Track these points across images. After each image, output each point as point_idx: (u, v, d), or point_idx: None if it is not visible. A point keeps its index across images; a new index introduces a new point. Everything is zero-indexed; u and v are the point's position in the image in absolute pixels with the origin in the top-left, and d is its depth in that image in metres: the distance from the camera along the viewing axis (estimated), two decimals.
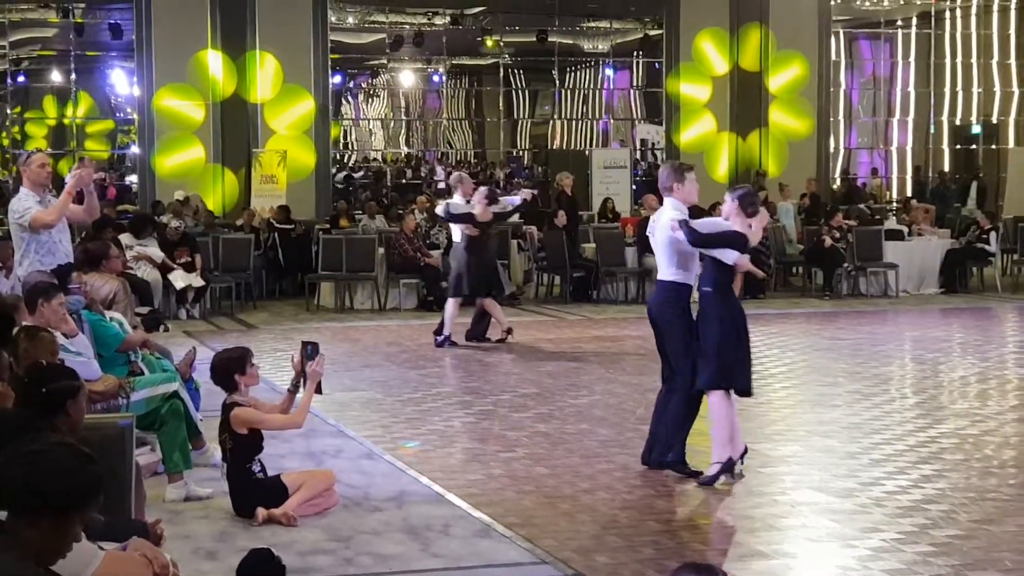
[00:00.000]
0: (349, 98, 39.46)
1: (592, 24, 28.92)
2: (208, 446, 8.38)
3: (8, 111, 29.95)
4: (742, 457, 8.31)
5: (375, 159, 38.07)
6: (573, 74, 33.75)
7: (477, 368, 13.24)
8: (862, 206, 24.76)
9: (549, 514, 7.45)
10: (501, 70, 29.76)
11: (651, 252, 16.60)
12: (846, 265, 19.64)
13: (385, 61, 32.43)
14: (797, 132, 25.76)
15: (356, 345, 14.64)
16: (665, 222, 8.28)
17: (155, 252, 16.74)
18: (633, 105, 33.36)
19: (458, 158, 36.90)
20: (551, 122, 33.80)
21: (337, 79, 29.48)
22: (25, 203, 9.29)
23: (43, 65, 29.50)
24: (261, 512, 7.14)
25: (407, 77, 36.57)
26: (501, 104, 30.92)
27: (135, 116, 24.29)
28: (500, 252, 18.64)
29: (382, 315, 17.57)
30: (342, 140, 36.59)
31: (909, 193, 28.33)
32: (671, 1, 25.58)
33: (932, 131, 30.31)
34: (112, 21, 23.83)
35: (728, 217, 8.30)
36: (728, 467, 8.13)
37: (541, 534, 6.99)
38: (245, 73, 22.57)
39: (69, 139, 27.21)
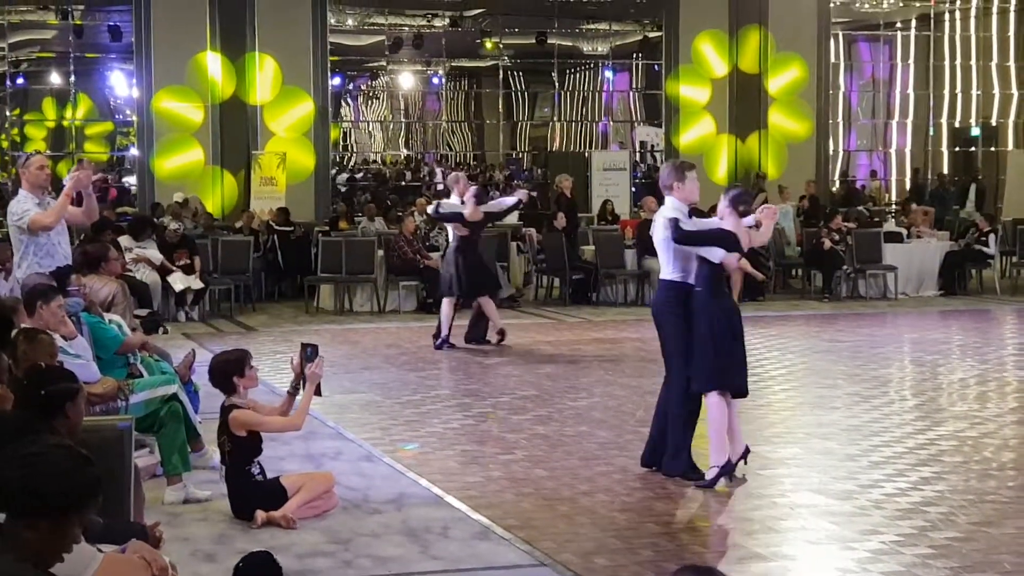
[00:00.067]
0: (348, 100, 39.47)
1: (591, 26, 28.91)
2: (207, 448, 8.38)
3: (7, 113, 29.94)
4: (745, 458, 8.29)
5: (374, 161, 38.07)
6: (572, 76, 33.76)
7: (476, 370, 13.24)
8: (861, 208, 24.77)
9: (548, 516, 7.45)
10: (500, 72, 29.77)
11: (651, 254, 16.73)
12: (845, 267, 19.65)
13: (384, 63, 32.43)
14: (796, 134, 25.78)
15: (355, 347, 14.63)
16: (664, 221, 8.28)
17: (154, 254, 16.74)
18: (632, 107, 33.35)
19: (457, 160, 36.90)
20: (550, 124, 33.79)
21: (336, 81, 29.48)
22: (24, 205, 9.28)
23: (42, 67, 29.49)
24: (260, 514, 7.14)
25: (406, 79, 36.58)
26: (500, 106, 30.92)
27: (134, 118, 24.30)
28: (499, 254, 18.67)
29: (381, 317, 17.56)
30: (341, 142, 36.59)
31: (907, 196, 28.32)
32: (670, 3, 25.60)
33: (931, 133, 30.32)
34: (111, 23, 23.83)
35: (723, 217, 8.30)
36: (727, 470, 8.12)
37: (540, 536, 6.99)
38: (244, 75, 22.59)
39: (68, 141, 27.21)
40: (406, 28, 27.98)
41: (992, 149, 29.63)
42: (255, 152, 22.49)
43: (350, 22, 27.31)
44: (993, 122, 29.83)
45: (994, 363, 13.56)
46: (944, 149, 30.50)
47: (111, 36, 23.94)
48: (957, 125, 30.39)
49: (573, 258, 19.01)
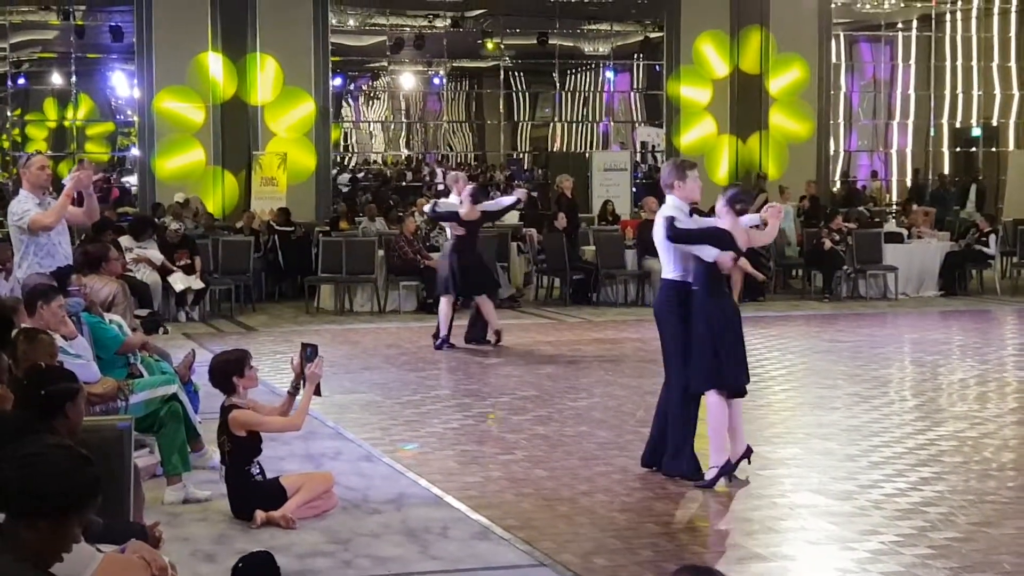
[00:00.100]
0: (349, 100, 39.48)
1: (592, 27, 28.92)
2: (207, 448, 8.38)
3: (8, 113, 29.97)
4: (748, 458, 8.26)
5: (375, 162, 38.09)
6: (573, 77, 33.77)
7: (476, 370, 13.24)
8: (862, 209, 24.77)
9: (548, 516, 7.45)
10: (501, 72, 29.75)
11: (651, 254, 16.73)
12: (846, 268, 19.65)
13: (385, 63, 32.43)
14: (797, 135, 25.78)
15: (355, 347, 14.64)
16: (661, 220, 8.27)
17: (155, 254, 16.75)
18: (633, 108, 33.37)
19: (458, 160, 36.90)
20: (551, 124, 33.82)
21: (337, 81, 29.47)
22: (24, 205, 9.29)
23: (43, 67, 29.51)
24: (260, 514, 7.14)
25: (407, 79, 36.59)
26: (501, 106, 30.91)
27: (135, 118, 24.31)
28: (500, 254, 18.68)
29: (382, 317, 17.57)
30: (342, 142, 36.60)
31: (906, 197, 28.34)
32: (671, 4, 25.59)
33: (932, 134, 30.31)
34: (112, 23, 23.84)
35: (720, 216, 8.30)
36: (726, 470, 8.11)
37: (540, 536, 6.99)
38: (245, 75, 22.59)
39: (69, 141, 27.23)
40: (407, 28, 28.00)
41: (993, 150, 29.62)
42: (256, 152, 22.50)
43: (351, 22, 27.31)
44: (994, 123, 29.83)
45: (994, 363, 13.56)
46: (945, 149, 30.50)
47: (112, 36, 23.95)
48: (958, 126, 30.39)
49: (573, 258, 19.02)
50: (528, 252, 20.29)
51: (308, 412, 7.64)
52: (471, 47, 30.36)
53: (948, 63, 29.87)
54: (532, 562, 6.56)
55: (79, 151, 26.24)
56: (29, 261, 9.30)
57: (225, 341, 14.31)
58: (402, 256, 17.85)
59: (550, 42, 27.63)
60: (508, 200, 15.74)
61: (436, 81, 36.17)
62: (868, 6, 27.85)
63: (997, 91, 29.68)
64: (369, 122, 40.82)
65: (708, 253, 8.08)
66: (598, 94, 33.10)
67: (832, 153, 27.90)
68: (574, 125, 34.12)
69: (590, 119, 33.75)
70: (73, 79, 25.61)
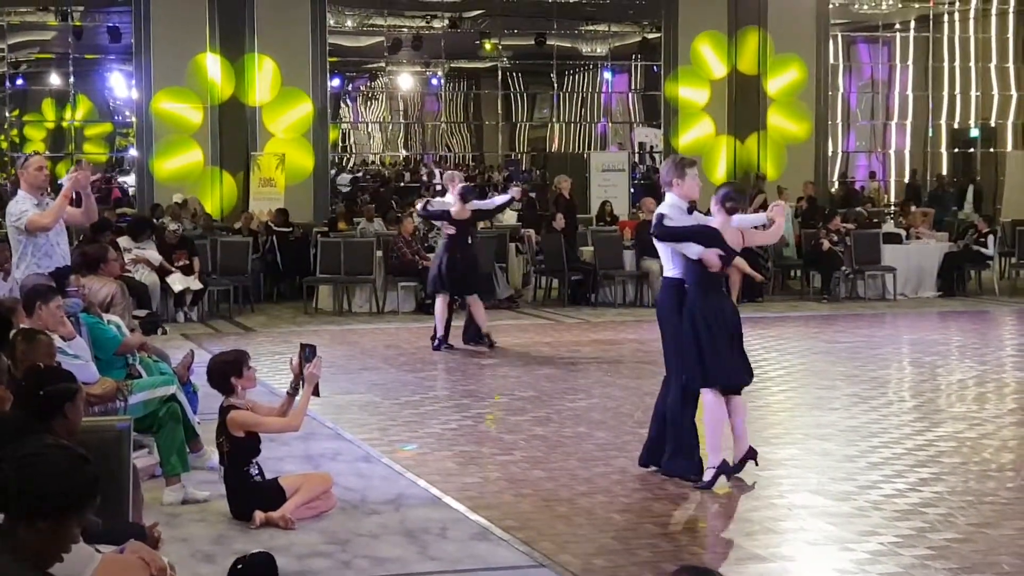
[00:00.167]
0: (347, 101, 39.52)
1: (590, 27, 28.94)
2: (206, 449, 8.38)
3: (6, 114, 29.96)
4: (754, 460, 8.21)
5: (373, 162, 38.10)
6: (571, 77, 33.78)
7: (475, 371, 13.24)
8: (860, 209, 24.77)
9: (546, 517, 7.45)
10: (499, 73, 29.80)
11: (649, 255, 16.73)
12: (844, 268, 19.64)
13: (383, 64, 32.47)
14: (795, 135, 25.79)
15: (354, 348, 14.64)
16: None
17: (153, 255, 16.74)
18: (631, 108, 33.40)
19: (456, 161, 36.93)
20: (549, 125, 33.84)
21: (335, 82, 29.51)
22: (22, 206, 9.29)
23: (42, 68, 29.53)
24: (259, 515, 7.14)
25: (405, 80, 36.62)
26: (499, 107, 30.96)
27: (133, 119, 24.33)
28: (498, 255, 18.67)
29: (380, 318, 17.56)
30: (340, 143, 36.62)
31: (903, 197, 28.35)
32: (669, 4, 25.60)
33: (930, 134, 30.33)
34: (111, 24, 23.85)
35: (714, 215, 8.28)
36: (724, 470, 8.08)
37: (539, 537, 6.99)
38: (243, 76, 22.59)
39: (67, 142, 27.24)
40: (405, 29, 28.01)
41: (991, 150, 29.65)
42: (254, 153, 22.50)
43: (349, 23, 27.34)
44: (992, 123, 29.85)
45: (993, 364, 13.56)
46: (943, 150, 30.52)
47: (110, 37, 23.97)
48: (956, 126, 30.42)
49: (572, 259, 19.01)
50: (526, 253, 20.28)
51: (307, 413, 7.64)
52: (469, 48, 30.37)
53: (946, 64, 29.89)
54: (531, 563, 6.56)
55: (77, 152, 26.25)
56: (27, 262, 9.29)
57: (223, 342, 14.31)
58: (400, 257, 17.85)
59: (548, 43, 27.65)
60: (501, 198, 15.70)
61: (434, 82, 36.18)
62: (866, 7, 27.85)
63: (995, 92, 29.71)
64: (367, 123, 40.84)
65: (692, 251, 8.05)
66: (596, 95, 33.14)
67: (830, 154, 27.93)
68: (572, 126, 34.15)
69: (588, 120, 33.79)
70: (71, 80, 25.62)
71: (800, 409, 11.12)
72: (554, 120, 32.78)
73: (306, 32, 23.10)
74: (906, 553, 6.73)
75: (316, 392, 7.49)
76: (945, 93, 30.03)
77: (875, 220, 23.19)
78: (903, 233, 20.92)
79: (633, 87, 32.70)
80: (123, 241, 16.43)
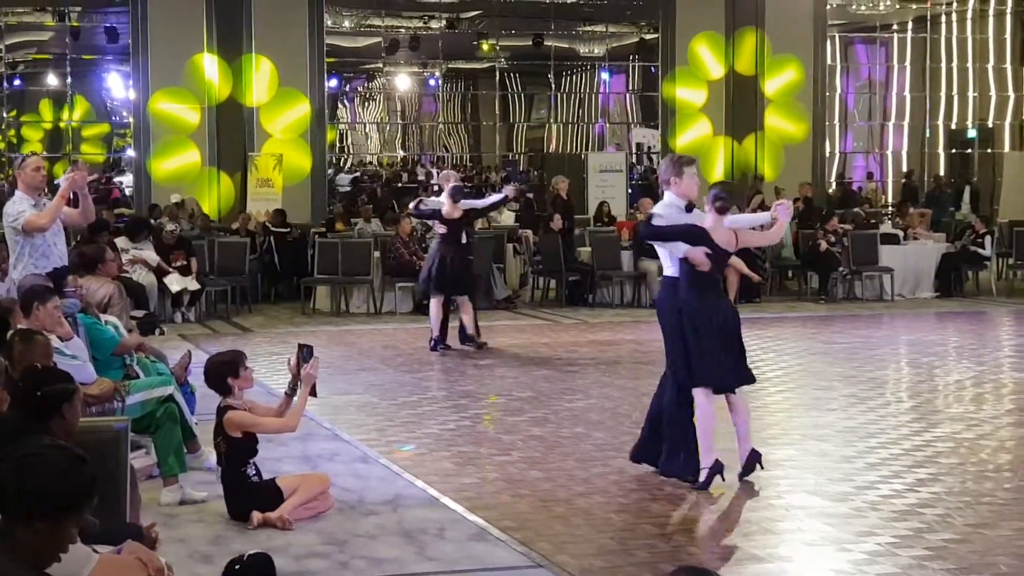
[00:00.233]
0: (345, 102, 39.47)
1: (588, 28, 28.93)
2: (203, 449, 8.38)
3: (4, 115, 29.90)
4: (761, 464, 8.19)
5: (371, 163, 38.08)
6: (569, 78, 33.77)
7: (472, 371, 13.23)
8: (857, 210, 24.79)
9: (544, 518, 7.45)
10: (497, 74, 29.77)
11: (647, 255, 16.73)
12: (841, 269, 19.65)
13: (381, 65, 32.44)
14: (793, 136, 25.81)
15: (351, 348, 14.63)
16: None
17: (151, 256, 16.74)
18: (629, 109, 33.38)
19: (454, 162, 36.91)
20: (547, 126, 33.80)
21: (333, 83, 29.46)
22: (19, 207, 9.28)
23: (39, 69, 29.50)
24: (256, 515, 7.14)
25: (403, 81, 36.58)
26: (497, 108, 30.94)
27: (131, 120, 24.33)
28: (496, 255, 18.67)
29: (378, 319, 17.56)
30: (338, 144, 36.59)
31: (901, 198, 28.36)
32: (667, 5, 25.62)
33: (928, 135, 30.34)
34: (108, 25, 23.83)
35: (707, 215, 8.27)
36: (717, 470, 8.04)
37: (536, 538, 6.99)
38: (241, 77, 22.59)
39: (65, 143, 27.21)
40: (403, 30, 28.00)
41: (988, 151, 29.66)
42: (252, 154, 22.50)
43: (347, 24, 27.33)
44: (989, 124, 29.86)
45: (990, 365, 13.57)
46: (940, 151, 30.52)
47: (108, 38, 23.95)
48: (953, 127, 30.42)
49: (569, 260, 19.01)
50: (524, 253, 20.29)
51: (304, 413, 7.64)
52: (467, 48, 30.36)
53: (943, 64, 29.89)
54: (529, 563, 6.56)
55: (74, 152, 26.23)
56: (24, 262, 9.29)
57: (221, 342, 14.31)
58: (398, 257, 17.85)
59: (545, 43, 27.62)
60: (495, 197, 15.66)
61: (432, 82, 36.13)
62: (863, 8, 27.89)
63: (992, 93, 29.72)
64: (365, 123, 40.82)
65: (680, 250, 8.04)
66: (594, 95, 33.11)
67: (828, 154, 27.93)
68: (570, 126, 34.12)
69: (586, 120, 33.76)
70: (69, 80, 25.59)
71: (798, 410, 11.12)
72: (552, 121, 32.74)
73: (303, 33, 23.11)
74: (903, 554, 6.73)
75: (314, 393, 7.49)
76: (942, 94, 30.04)
77: (872, 221, 23.19)
78: (900, 234, 20.94)
79: (631, 88, 32.69)
80: (121, 241, 16.44)
